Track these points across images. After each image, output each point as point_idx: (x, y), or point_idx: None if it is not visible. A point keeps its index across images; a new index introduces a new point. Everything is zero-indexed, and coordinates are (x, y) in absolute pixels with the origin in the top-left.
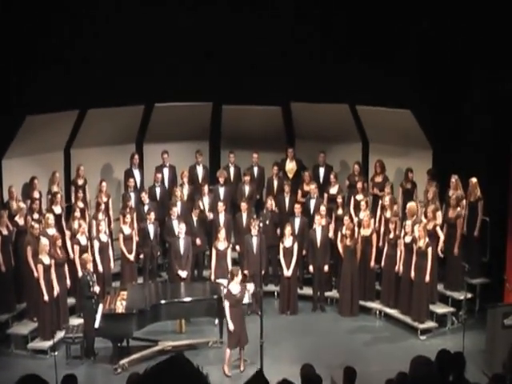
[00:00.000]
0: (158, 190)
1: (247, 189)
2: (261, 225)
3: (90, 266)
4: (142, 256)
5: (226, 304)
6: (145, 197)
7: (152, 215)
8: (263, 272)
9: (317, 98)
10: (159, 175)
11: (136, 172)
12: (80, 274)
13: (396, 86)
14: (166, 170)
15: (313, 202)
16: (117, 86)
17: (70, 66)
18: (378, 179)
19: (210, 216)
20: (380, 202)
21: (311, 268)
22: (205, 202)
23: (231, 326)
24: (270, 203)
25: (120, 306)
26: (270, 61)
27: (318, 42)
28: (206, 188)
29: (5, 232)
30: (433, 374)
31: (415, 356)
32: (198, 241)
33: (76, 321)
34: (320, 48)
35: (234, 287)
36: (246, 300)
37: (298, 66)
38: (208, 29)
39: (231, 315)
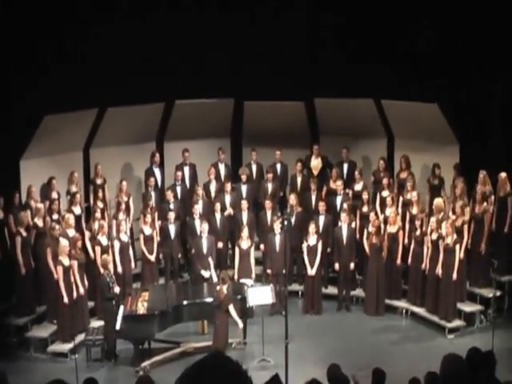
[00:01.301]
0: (178, 189)
1: (270, 186)
2: (285, 223)
3: (110, 267)
4: (161, 256)
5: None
6: (170, 195)
7: (173, 215)
8: (287, 271)
9: (341, 93)
10: (179, 173)
11: (157, 171)
12: (101, 275)
13: (422, 79)
14: (186, 169)
15: (339, 199)
16: (136, 84)
17: (88, 64)
18: (404, 175)
19: (231, 211)
20: (401, 198)
21: (337, 266)
22: (227, 200)
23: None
24: (293, 201)
25: (141, 308)
26: (292, 56)
27: (341, 36)
28: (228, 186)
29: (24, 233)
30: (464, 372)
31: (446, 354)
32: (220, 244)
33: (97, 323)
34: (344, 42)
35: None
36: (269, 300)
37: (322, 61)
38: (229, 24)
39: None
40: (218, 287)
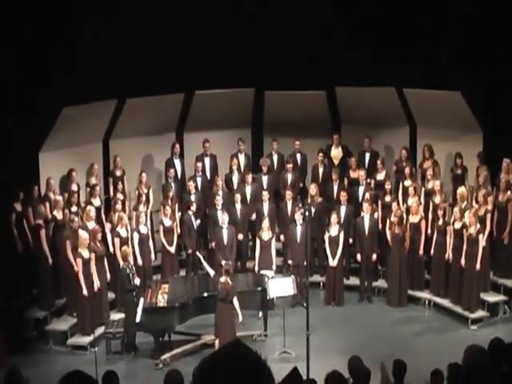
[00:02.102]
0: (199, 180)
1: (290, 177)
2: (306, 214)
3: (130, 259)
4: (189, 251)
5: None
6: (191, 186)
7: (194, 206)
8: (308, 262)
9: (362, 82)
10: (199, 164)
11: (177, 162)
12: (121, 267)
13: (444, 67)
14: (207, 160)
15: (361, 189)
16: (156, 74)
17: (107, 55)
18: (427, 165)
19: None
20: (423, 188)
21: (359, 257)
22: (247, 191)
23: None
24: (314, 191)
25: (161, 300)
26: (312, 44)
27: (362, 24)
28: (249, 177)
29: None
30: (486, 364)
31: (469, 345)
32: (240, 236)
33: (116, 315)
34: (364, 30)
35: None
36: (290, 291)
37: (342, 49)
38: (250, 12)
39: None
40: (222, 279)
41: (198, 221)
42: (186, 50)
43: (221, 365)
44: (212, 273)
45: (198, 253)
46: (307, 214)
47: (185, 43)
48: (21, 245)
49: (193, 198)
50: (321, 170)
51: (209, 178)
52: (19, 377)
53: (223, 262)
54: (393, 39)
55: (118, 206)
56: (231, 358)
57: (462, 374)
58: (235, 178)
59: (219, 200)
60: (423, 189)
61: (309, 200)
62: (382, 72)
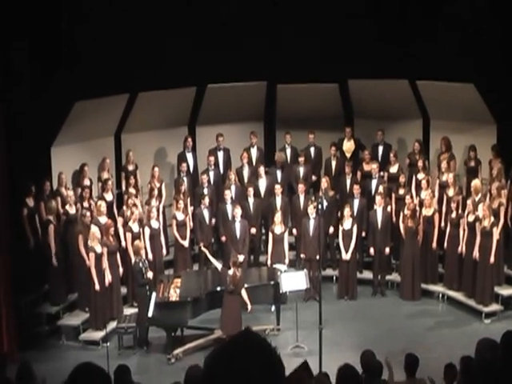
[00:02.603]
0: (211, 174)
1: (302, 170)
2: (319, 207)
3: (142, 253)
4: (201, 244)
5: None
6: (204, 180)
7: (206, 199)
8: (320, 256)
9: (375, 74)
10: (211, 158)
11: (189, 156)
12: (133, 261)
13: (457, 58)
14: (220, 153)
15: (374, 182)
16: (167, 68)
17: (118, 49)
18: (444, 157)
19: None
20: (438, 180)
21: (372, 250)
22: (261, 185)
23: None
24: (325, 184)
25: (174, 294)
26: (325, 36)
27: (375, 16)
28: (262, 170)
29: (55, 222)
30: (499, 357)
31: (481, 339)
32: (253, 230)
33: (129, 310)
34: (377, 22)
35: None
36: (303, 286)
37: (355, 42)
38: (262, 6)
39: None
40: (230, 271)
41: (208, 214)
42: (198, 44)
43: (232, 353)
44: (219, 266)
45: (203, 248)
46: (320, 207)
47: (197, 36)
48: (32, 240)
49: (206, 191)
50: (333, 163)
51: (222, 171)
52: (31, 372)
53: (242, 257)
54: (405, 31)
55: (131, 201)
56: (243, 346)
57: (474, 368)
58: (246, 172)
59: (228, 194)
60: (438, 181)
61: (322, 193)
62: (394, 64)
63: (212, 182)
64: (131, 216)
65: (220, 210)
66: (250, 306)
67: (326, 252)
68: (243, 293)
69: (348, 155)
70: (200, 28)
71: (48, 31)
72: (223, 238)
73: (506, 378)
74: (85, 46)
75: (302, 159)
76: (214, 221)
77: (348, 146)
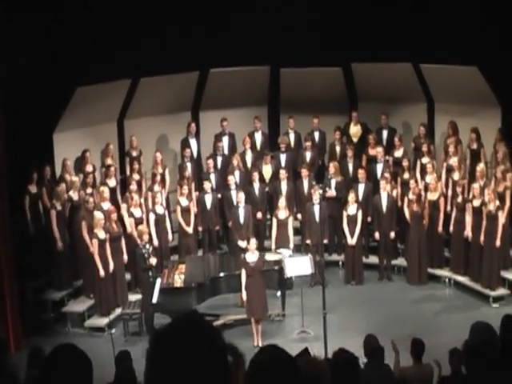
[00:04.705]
0: (219, 159)
1: (308, 155)
2: (322, 192)
3: (146, 238)
4: (200, 228)
5: (243, 272)
6: (210, 165)
7: (207, 184)
8: (326, 241)
9: (379, 58)
10: (220, 144)
11: (192, 141)
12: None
13: (461, 41)
14: (225, 138)
15: (379, 167)
16: (170, 53)
17: (120, 34)
18: (451, 141)
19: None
20: (445, 164)
21: (377, 235)
22: (266, 170)
23: (244, 296)
24: (333, 170)
25: (178, 280)
26: (328, 20)
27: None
28: (268, 158)
29: (59, 207)
30: (494, 341)
31: (475, 322)
32: (259, 214)
33: (133, 296)
34: (380, 5)
35: (250, 256)
36: (307, 271)
37: (358, 25)
38: None
39: (246, 284)
40: (254, 255)
41: (211, 200)
42: (201, 28)
43: (175, 333)
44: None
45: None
46: (323, 192)
47: (199, 21)
48: (33, 227)
49: (212, 176)
50: (338, 148)
51: (227, 157)
52: (43, 355)
53: (239, 242)
54: (408, 14)
55: (133, 187)
56: (186, 325)
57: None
58: (249, 157)
59: (232, 180)
60: (445, 164)
61: (329, 178)
62: (398, 48)
63: (219, 167)
64: (132, 201)
65: (224, 196)
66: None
67: (333, 237)
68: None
69: (355, 140)
70: (202, 12)
71: (48, 17)
72: (230, 224)
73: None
74: (86, 32)
75: (308, 144)
76: (217, 207)
77: (355, 130)
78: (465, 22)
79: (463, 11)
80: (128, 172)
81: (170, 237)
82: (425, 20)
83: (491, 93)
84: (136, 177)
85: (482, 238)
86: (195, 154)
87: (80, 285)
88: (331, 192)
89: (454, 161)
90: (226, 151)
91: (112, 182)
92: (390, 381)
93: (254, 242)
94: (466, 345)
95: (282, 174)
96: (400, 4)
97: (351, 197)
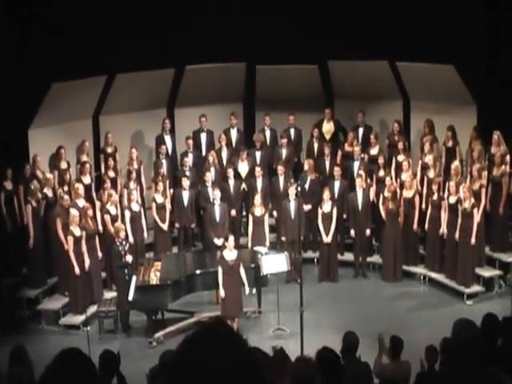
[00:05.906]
0: (192, 156)
1: (284, 152)
2: (299, 189)
3: (122, 235)
4: (176, 225)
5: (220, 270)
6: (187, 162)
7: (185, 181)
8: (302, 238)
9: (355, 56)
10: (190, 142)
11: (167, 138)
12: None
13: (437, 40)
14: (203, 135)
15: (356, 164)
16: (145, 49)
17: (95, 29)
18: (427, 139)
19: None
20: (420, 161)
21: (352, 232)
22: (243, 167)
23: (222, 293)
24: (307, 167)
25: (154, 278)
26: (305, 17)
27: None
28: (244, 154)
29: (34, 204)
30: (476, 338)
31: (457, 319)
32: (233, 212)
33: (109, 294)
34: (357, 3)
35: (228, 253)
36: (284, 268)
37: (335, 22)
38: None
39: (223, 282)
40: (233, 253)
41: (188, 197)
42: (176, 25)
43: (203, 343)
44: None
45: None
46: (299, 189)
47: (175, 17)
48: (9, 223)
49: (188, 173)
50: (316, 145)
51: (204, 153)
52: (26, 353)
53: (215, 240)
54: (385, 12)
55: (107, 184)
56: (214, 335)
57: (452, 348)
58: (224, 154)
59: (209, 176)
60: (420, 162)
61: (303, 175)
62: (374, 46)
63: (192, 164)
64: (108, 198)
65: (201, 193)
66: (247, 289)
67: (308, 234)
68: (242, 272)
69: (327, 137)
70: (177, 8)
71: (23, 12)
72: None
73: (485, 358)
74: (61, 27)
75: (284, 141)
76: (193, 203)
77: (328, 127)
78: (441, 20)
79: (440, 10)
80: (103, 169)
81: (145, 234)
82: (401, 18)
83: (467, 91)
84: (111, 174)
85: (457, 235)
86: (170, 151)
87: (55, 282)
88: (308, 207)
89: (429, 159)
90: (203, 148)
91: (87, 179)
92: (366, 378)
93: (232, 239)
94: (444, 342)
95: (258, 171)
96: (376, 1)
97: (326, 194)
